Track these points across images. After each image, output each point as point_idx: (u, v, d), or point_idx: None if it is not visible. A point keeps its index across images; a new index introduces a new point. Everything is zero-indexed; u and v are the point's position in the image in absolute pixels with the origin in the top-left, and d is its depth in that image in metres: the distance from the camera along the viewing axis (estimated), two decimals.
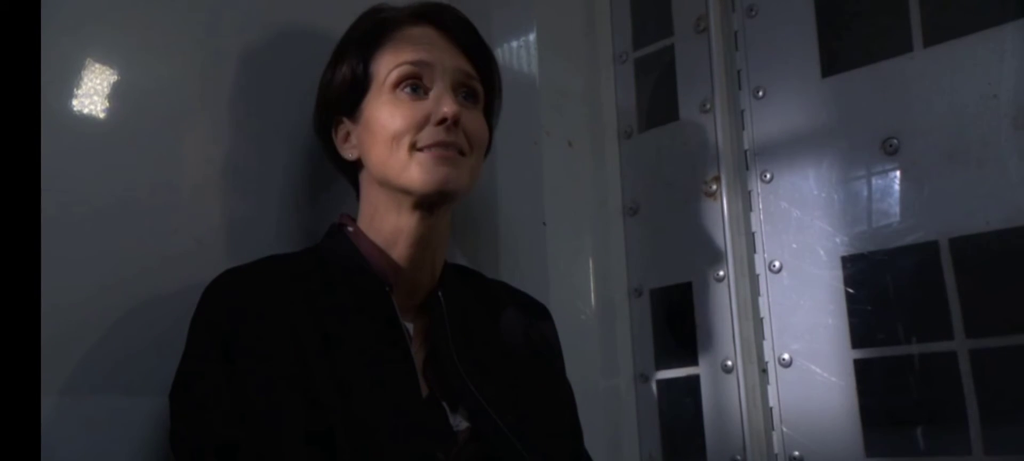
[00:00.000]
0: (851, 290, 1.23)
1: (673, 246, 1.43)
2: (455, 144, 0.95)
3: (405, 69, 0.97)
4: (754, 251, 1.34)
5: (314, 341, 0.87)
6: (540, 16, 1.43)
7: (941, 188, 1.17)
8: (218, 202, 1.09)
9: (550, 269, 1.33)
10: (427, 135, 0.94)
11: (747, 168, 1.36)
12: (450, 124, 0.94)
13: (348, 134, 1.03)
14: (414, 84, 0.97)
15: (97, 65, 0.98)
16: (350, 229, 1.02)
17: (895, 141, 1.21)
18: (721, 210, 1.35)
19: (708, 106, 1.40)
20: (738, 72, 1.40)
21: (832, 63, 1.31)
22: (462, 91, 1.00)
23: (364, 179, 1.03)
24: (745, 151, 1.37)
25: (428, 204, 0.97)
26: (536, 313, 1.16)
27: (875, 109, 1.24)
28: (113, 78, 0.99)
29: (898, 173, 1.21)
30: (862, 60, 1.27)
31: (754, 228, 1.34)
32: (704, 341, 1.36)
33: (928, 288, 1.17)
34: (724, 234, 1.34)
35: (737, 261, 1.33)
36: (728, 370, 1.31)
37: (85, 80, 0.96)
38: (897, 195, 1.21)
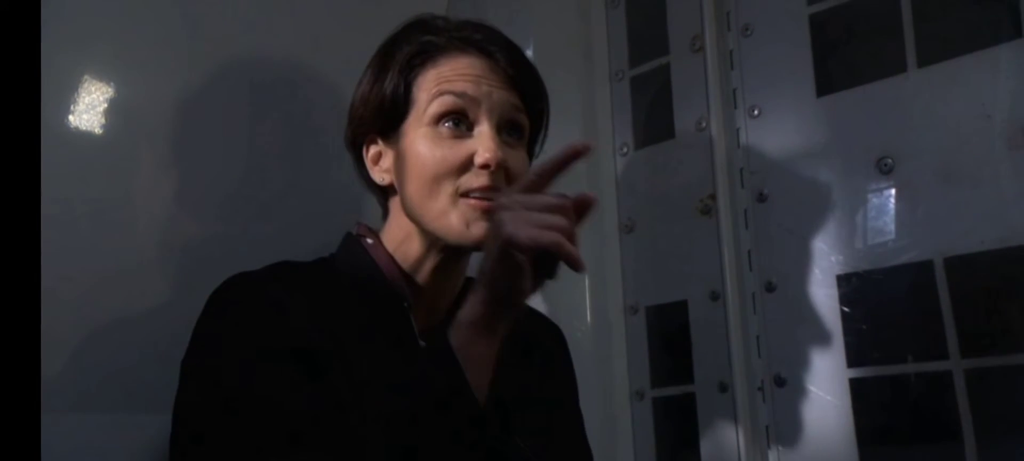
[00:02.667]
0: (846, 309, 1.24)
1: (669, 264, 1.43)
2: (498, 189, 0.90)
3: (449, 101, 0.91)
4: (749, 269, 1.34)
5: (324, 354, 0.84)
6: (537, 34, 1.43)
7: (936, 207, 1.17)
8: (221, 217, 1.09)
9: (546, 286, 1.33)
10: (469, 180, 0.90)
11: (742, 186, 1.37)
12: (494, 168, 0.89)
13: (380, 155, 0.98)
14: (457, 119, 0.91)
15: (97, 77, 0.98)
16: (369, 241, 0.98)
17: (889, 160, 1.22)
18: (717, 228, 1.35)
19: (704, 124, 1.40)
20: (733, 91, 1.41)
21: (827, 83, 1.31)
22: (507, 127, 0.95)
23: (394, 205, 0.99)
24: (740, 169, 1.38)
25: (460, 251, 0.94)
26: (551, 334, 1.15)
27: (870, 129, 1.25)
28: (113, 90, 0.99)
29: (893, 192, 1.22)
30: (856, 80, 1.28)
31: (749, 246, 1.35)
32: (699, 359, 1.36)
33: (923, 307, 1.18)
34: (720, 252, 1.34)
35: (732, 279, 1.33)
36: (723, 388, 1.30)
37: (85, 93, 0.96)
38: (892, 214, 1.21)
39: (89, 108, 0.97)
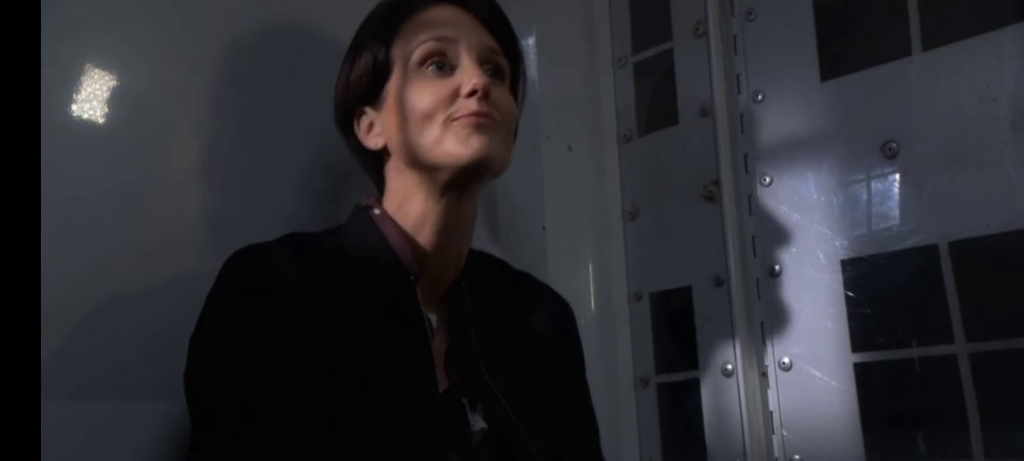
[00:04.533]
0: (851, 293, 1.23)
1: (673, 250, 1.43)
2: (488, 114, 0.91)
3: (429, 46, 0.94)
4: (754, 255, 1.34)
5: (331, 328, 0.85)
6: (540, 21, 1.43)
7: (940, 191, 1.17)
8: (221, 207, 1.09)
9: (550, 273, 1.33)
10: (459, 108, 0.91)
11: (747, 172, 1.36)
12: (481, 95, 0.90)
13: (371, 123, 0.99)
14: (439, 62, 0.94)
15: (97, 66, 0.98)
16: (376, 212, 0.98)
17: (894, 144, 1.21)
18: (721, 214, 1.35)
19: (707, 110, 1.40)
20: (737, 76, 1.40)
21: (831, 67, 1.31)
22: (488, 67, 0.96)
23: (391, 169, 0.99)
24: (744, 155, 1.37)
25: (461, 182, 0.93)
26: (559, 308, 1.13)
27: (874, 112, 1.24)
28: (112, 78, 0.99)
29: (897, 176, 1.21)
30: (861, 63, 1.27)
31: (754, 232, 1.34)
32: (704, 345, 1.36)
33: (928, 292, 1.17)
34: (724, 238, 1.34)
35: (737, 265, 1.33)
36: (728, 374, 1.31)
37: (85, 81, 0.96)
38: (896, 198, 1.21)
39: (89, 95, 0.97)
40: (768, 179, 1.34)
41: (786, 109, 1.34)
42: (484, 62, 0.96)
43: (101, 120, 0.98)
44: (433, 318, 0.96)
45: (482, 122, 0.89)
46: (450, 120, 0.90)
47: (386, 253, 0.95)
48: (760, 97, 1.37)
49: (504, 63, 1.00)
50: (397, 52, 0.96)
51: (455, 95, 0.91)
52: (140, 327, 0.97)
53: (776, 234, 1.32)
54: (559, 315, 1.12)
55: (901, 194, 1.21)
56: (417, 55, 0.94)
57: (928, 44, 1.21)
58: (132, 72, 1.03)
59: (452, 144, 0.89)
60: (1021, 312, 1.10)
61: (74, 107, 0.95)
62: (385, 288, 0.93)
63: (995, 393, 1.11)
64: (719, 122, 1.38)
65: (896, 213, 1.21)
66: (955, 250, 1.15)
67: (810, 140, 1.31)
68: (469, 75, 0.91)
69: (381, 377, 0.85)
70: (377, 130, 0.98)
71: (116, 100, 0.99)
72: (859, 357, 1.21)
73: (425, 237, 0.96)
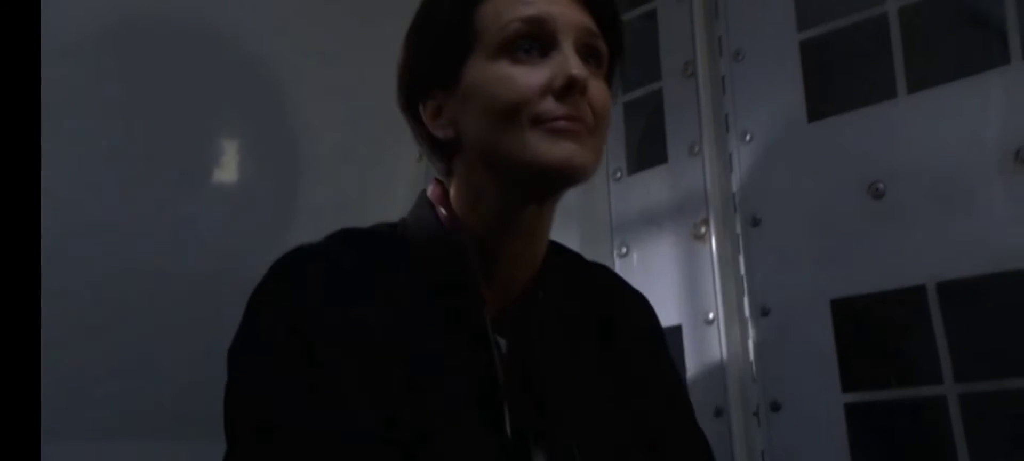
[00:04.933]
0: (840, 333, 1.23)
1: (662, 289, 1.43)
2: (580, 118, 0.77)
3: (518, 27, 0.78)
4: (743, 294, 1.34)
5: (388, 341, 0.76)
6: None
7: (928, 232, 1.18)
8: (240, 236, 1.08)
9: None
10: (548, 107, 0.76)
11: (735, 211, 1.37)
12: (577, 93, 0.77)
13: (439, 109, 0.84)
14: (528, 45, 0.79)
15: (103, 67, 0.97)
16: (442, 211, 0.86)
17: (881, 185, 1.22)
18: (710, 253, 1.36)
19: (696, 149, 1.41)
20: (726, 116, 1.41)
21: (818, 108, 1.32)
22: (585, 52, 0.81)
23: (461, 163, 0.84)
24: (733, 194, 1.38)
25: (544, 190, 0.81)
26: (644, 316, 0.99)
27: (861, 153, 1.25)
28: (120, 89, 0.98)
29: (885, 217, 1.22)
30: (847, 105, 1.29)
31: (743, 271, 1.35)
32: (694, 384, 1.35)
33: (916, 332, 1.18)
34: (713, 277, 1.34)
35: (726, 304, 1.33)
36: (718, 413, 1.30)
37: (86, 99, 0.96)
38: (884, 239, 1.22)
39: (93, 115, 0.96)
40: (757, 218, 1.34)
41: (774, 149, 1.35)
42: (581, 47, 0.81)
43: (113, 141, 0.97)
44: (503, 342, 0.84)
45: (572, 128, 0.77)
46: (536, 121, 0.77)
47: (452, 262, 0.83)
48: (748, 137, 1.38)
49: (602, 47, 0.84)
50: (481, 26, 0.80)
51: (546, 88, 0.77)
52: (151, 363, 0.95)
53: (765, 274, 1.32)
54: (642, 323, 0.98)
55: (889, 234, 1.21)
56: (503, 36, 0.79)
57: (913, 87, 1.22)
58: (142, 80, 1.02)
59: (537, 150, 0.76)
60: (1009, 352, 1.11)
61: (75, 126, 0.95)
62: (450, 303, 0.82)
63: (984, 433, 1.11)
64: (708, 161, 1.39)
65: (884, 253, 1.21)
66: (943, 290, 1.15)
67: (798, 180, 1.32)
68: (567, 65, 0.77)
69: (441, 409, 0.76)
70: (447, 118, 0.83)
71: (135, 118, 0.99)
72: (850, 397, 1.21)
73: (498, 244, 0.84)
